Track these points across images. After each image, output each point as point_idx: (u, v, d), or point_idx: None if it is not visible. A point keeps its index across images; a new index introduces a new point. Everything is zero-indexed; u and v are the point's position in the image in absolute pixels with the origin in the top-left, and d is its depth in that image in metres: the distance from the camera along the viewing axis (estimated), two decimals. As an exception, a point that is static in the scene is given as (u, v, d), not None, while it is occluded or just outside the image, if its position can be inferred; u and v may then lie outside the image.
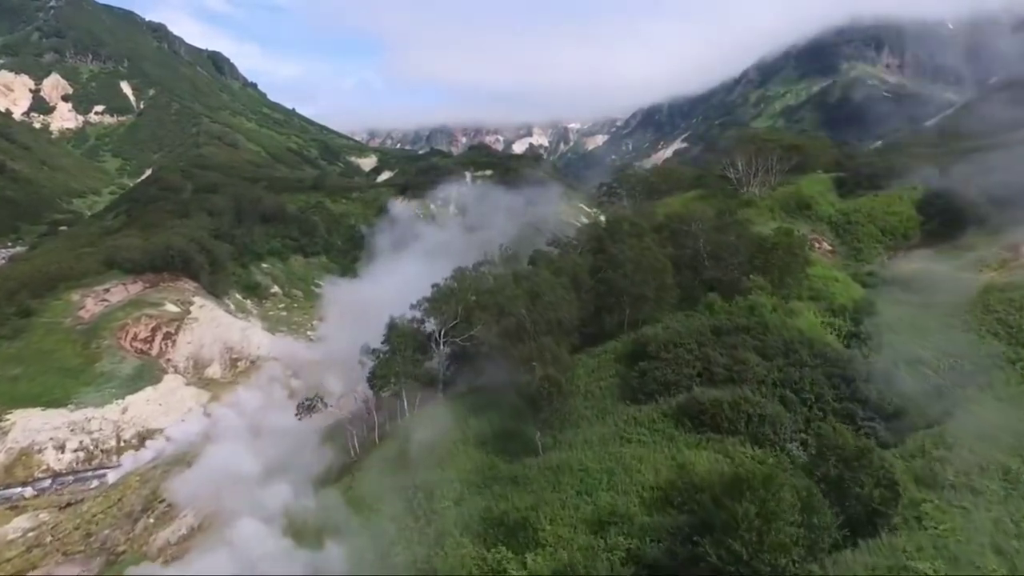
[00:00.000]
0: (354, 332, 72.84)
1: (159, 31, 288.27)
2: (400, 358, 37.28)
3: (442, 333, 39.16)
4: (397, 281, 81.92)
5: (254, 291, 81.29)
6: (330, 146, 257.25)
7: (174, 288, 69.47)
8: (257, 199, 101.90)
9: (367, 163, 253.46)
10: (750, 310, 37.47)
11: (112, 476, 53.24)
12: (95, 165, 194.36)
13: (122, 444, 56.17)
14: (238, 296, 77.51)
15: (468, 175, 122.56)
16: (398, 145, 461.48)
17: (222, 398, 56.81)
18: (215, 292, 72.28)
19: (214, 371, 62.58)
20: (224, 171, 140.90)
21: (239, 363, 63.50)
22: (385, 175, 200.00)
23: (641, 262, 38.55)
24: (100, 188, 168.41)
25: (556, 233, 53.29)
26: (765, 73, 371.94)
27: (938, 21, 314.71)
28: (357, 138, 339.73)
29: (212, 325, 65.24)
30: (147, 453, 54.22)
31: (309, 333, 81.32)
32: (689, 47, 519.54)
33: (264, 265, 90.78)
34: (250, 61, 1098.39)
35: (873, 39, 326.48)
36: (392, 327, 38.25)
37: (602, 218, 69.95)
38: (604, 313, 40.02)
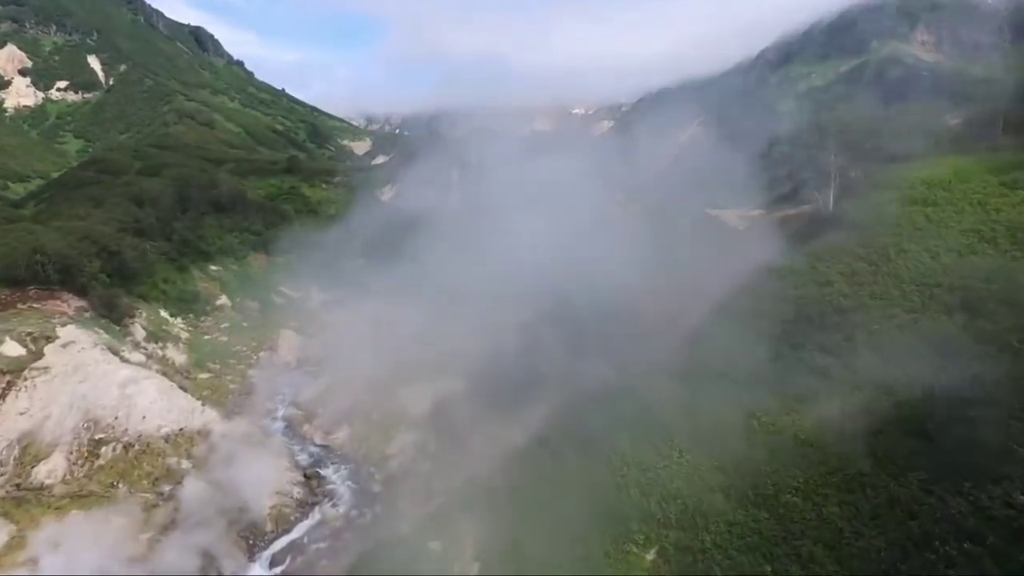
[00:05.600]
0: (348, 359, 53.29)
1: (134, 2, 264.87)
2: None
3: None
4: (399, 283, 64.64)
5: (190, 305, 60.20)
6: (320, 128, 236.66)
7: (39, 312, 43.32)
8: (210, 183, 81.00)
9: (360, 147, 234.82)
10: None
11: None
12: (52, 146, 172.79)
13: None
14: (163, 314, 55.54)
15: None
16: (396, 130, 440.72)
17: (36, 535, 28.55)
18: (112, 315, 48.07)
19: (53, 468, 32.82)
20: (188, 152, 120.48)
21: (103, 449, 34.83)
22: (380, 159, 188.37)
23: None
24: (51, 172, 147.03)
25: None
26: (784, 53, 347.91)
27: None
28: (354, 123, 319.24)
29: (74, 379, 36.82)
30: None
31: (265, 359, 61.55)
32: (699, 27, 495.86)
33: (213, 268, 70.25)
34: (247, 48, 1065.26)
35: (906, 15, 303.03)
36: None
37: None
38: None
